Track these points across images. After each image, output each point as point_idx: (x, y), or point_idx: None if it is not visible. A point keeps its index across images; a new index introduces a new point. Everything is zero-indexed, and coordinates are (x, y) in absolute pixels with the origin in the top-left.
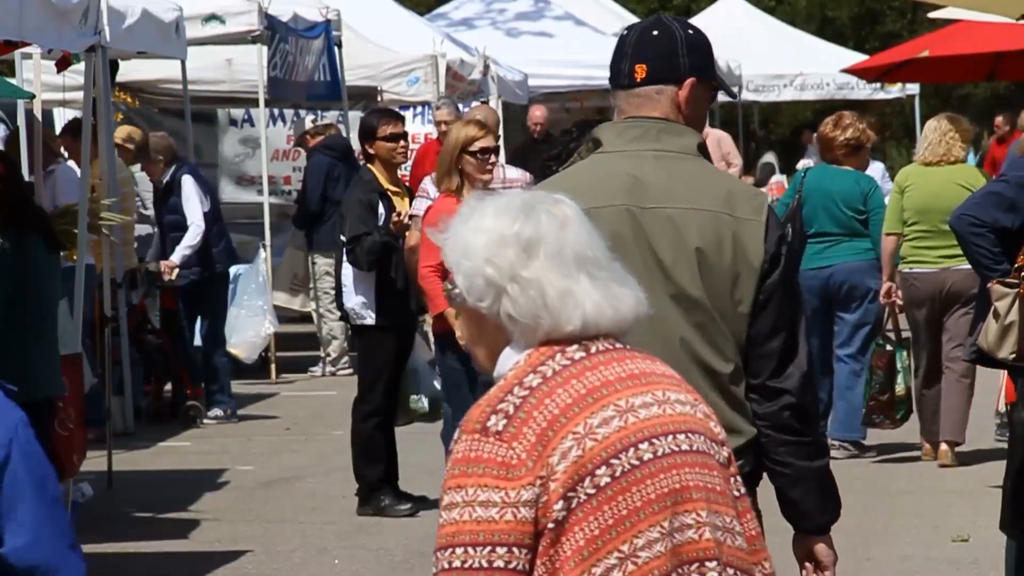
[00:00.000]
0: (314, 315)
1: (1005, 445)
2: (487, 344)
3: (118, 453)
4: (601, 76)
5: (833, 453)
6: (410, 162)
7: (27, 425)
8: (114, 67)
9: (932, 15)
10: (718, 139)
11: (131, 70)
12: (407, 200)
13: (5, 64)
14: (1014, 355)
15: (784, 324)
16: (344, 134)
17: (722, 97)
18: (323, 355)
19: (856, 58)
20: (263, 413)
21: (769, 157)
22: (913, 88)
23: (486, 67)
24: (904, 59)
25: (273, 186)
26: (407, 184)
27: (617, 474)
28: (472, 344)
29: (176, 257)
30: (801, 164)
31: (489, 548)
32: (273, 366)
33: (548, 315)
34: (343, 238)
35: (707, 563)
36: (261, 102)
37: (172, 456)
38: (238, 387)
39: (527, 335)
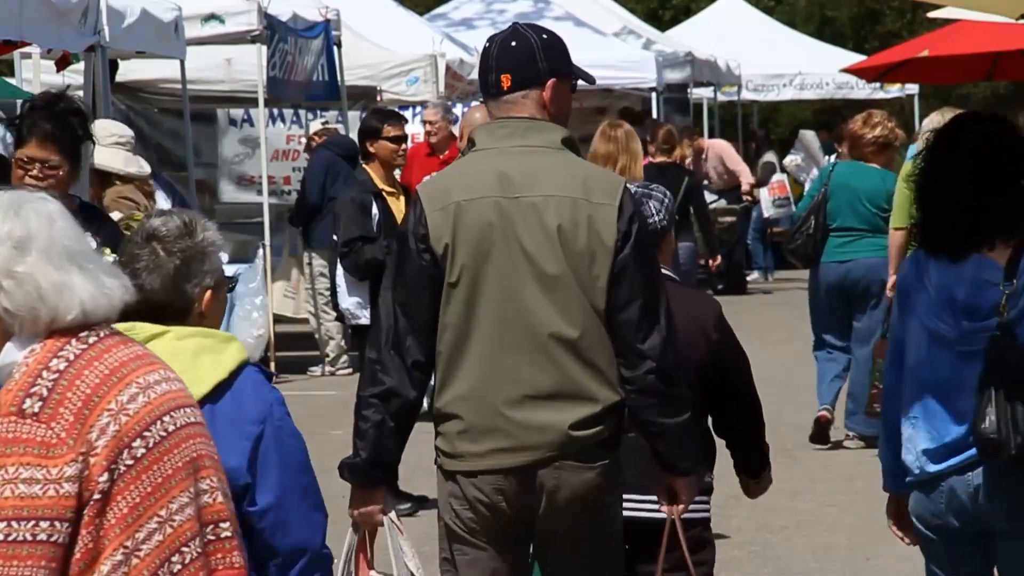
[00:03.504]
0: (310, 316)
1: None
2: None
3: None
4: (601, 76)
5: (847, 444)
6: None
7: (282, 403)
8: (113, 67)
9: (931, 15)
10: (719, 152)
11: (130, 70)
12: (402, 199)
13: (4, 64)
14: None
15: (639, 293)
16: (343, 134)
17: (721, 97)
18: (322, 355)
19: (855, 58)
20: None
21: (770, 156)
22: (912, 88)
23: None
24: (903, 59)
25: (273, 186)
26: (404, 185)
27: (150, 445)
28: None
29: None
30: (788, 159)
31: (32, 522)
32: (272, 366)
33: (45, 307)
34: (335, 238)
35: (221, 524)
36: (260, 102)
37: None
38: None
39: (28, 327)
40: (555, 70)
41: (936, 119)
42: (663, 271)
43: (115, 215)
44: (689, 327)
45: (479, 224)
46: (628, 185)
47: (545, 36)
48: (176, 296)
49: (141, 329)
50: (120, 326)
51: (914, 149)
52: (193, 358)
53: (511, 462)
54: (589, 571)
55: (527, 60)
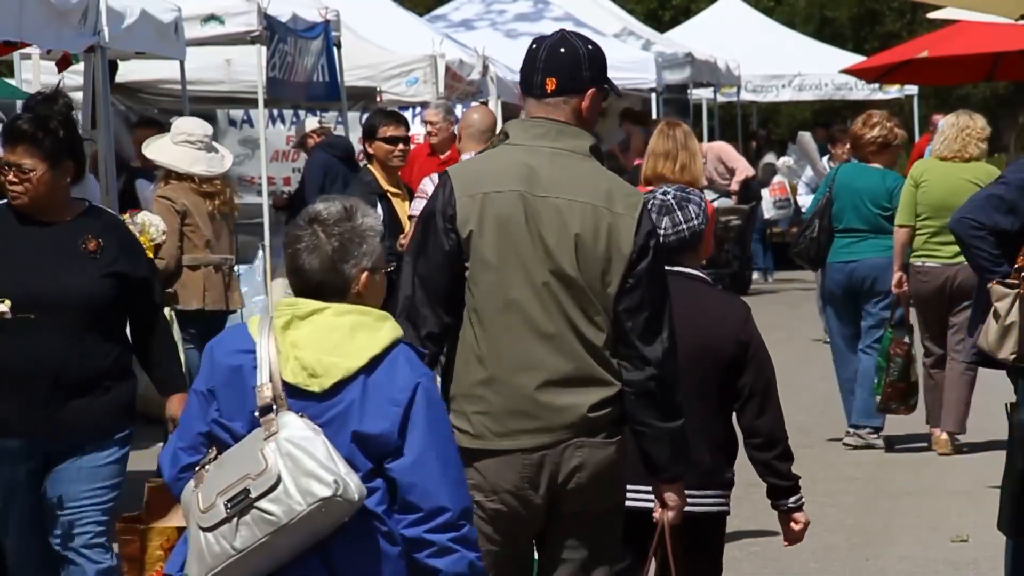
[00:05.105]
0: None
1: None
2: None
3: None
4: None
5: (847, 440)
6: None
7: (432, 380)
8: (113, 67)
9: (931, 15)
10: (717, 154)
11: (130, 70)
12: (407, 202)
13: (4, 65)
14: (1014, 355)
15: (647, 305)
16: (343, 135)
17: (721, 98)
18: None
19: (855, 59)
20: None
21: (770, 157)
22: (912, 88)
23: (485, 67)
24: (903, 59)
25: (273, 187)
26: (408, 186)
27: None
28: None
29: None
30: (781, 161)
31: None
32: None
33: None
34: None
35: None
36: (260, 103)
37: None
38: None
39: None
40: (595, 80)
41: (951, 120)
42: (695, 272)
43: (143, 213)
44: (717, 327)
45: (504, 216)
46: (654, 194)
47: (591, 47)
48: (334, 276)
49: (304, 304)
50: (284, 301)
51: (930, 149)
52: (350, 333)
53: (535, 442)
54: (603, 547)
55: (573, 67)
